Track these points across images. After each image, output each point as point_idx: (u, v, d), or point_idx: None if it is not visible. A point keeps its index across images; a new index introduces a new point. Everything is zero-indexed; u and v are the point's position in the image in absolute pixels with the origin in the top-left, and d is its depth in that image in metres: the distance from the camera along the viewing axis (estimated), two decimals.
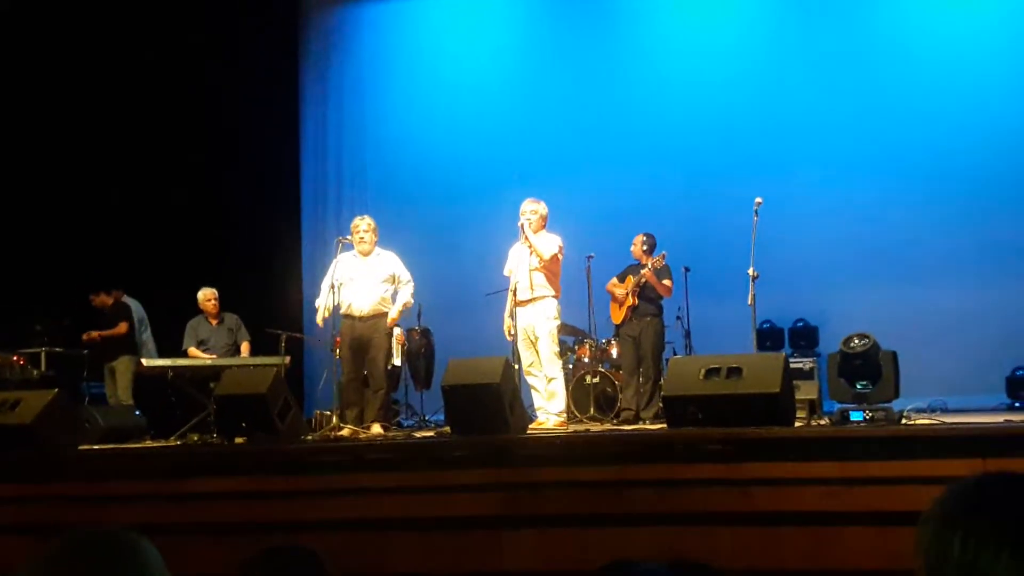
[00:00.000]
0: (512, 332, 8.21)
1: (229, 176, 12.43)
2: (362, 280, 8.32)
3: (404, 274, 8.51)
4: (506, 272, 8.48)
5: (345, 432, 7.87)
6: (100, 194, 12.07)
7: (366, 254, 8.42)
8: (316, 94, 13.92)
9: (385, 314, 8.37)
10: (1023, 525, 1.38)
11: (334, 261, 8.39)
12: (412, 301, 8.70)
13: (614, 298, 9.40)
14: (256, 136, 12.86)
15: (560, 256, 8.25)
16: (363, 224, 8.49)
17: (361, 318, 8.26)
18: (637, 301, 9.18)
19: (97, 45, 11.93)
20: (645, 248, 9.38)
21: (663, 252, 9.21)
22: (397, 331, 9.34)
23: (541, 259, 8.14)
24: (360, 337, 8.24)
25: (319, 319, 8.42)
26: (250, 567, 2.58)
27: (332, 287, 8.20)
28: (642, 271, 9.12)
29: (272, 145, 13.31)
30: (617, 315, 9.38)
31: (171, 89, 12.27)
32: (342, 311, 8.28)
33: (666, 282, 9.18)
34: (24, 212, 11.77)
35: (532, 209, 8.28)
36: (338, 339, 8.29)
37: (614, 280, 9.48)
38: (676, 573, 0.79)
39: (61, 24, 11.89)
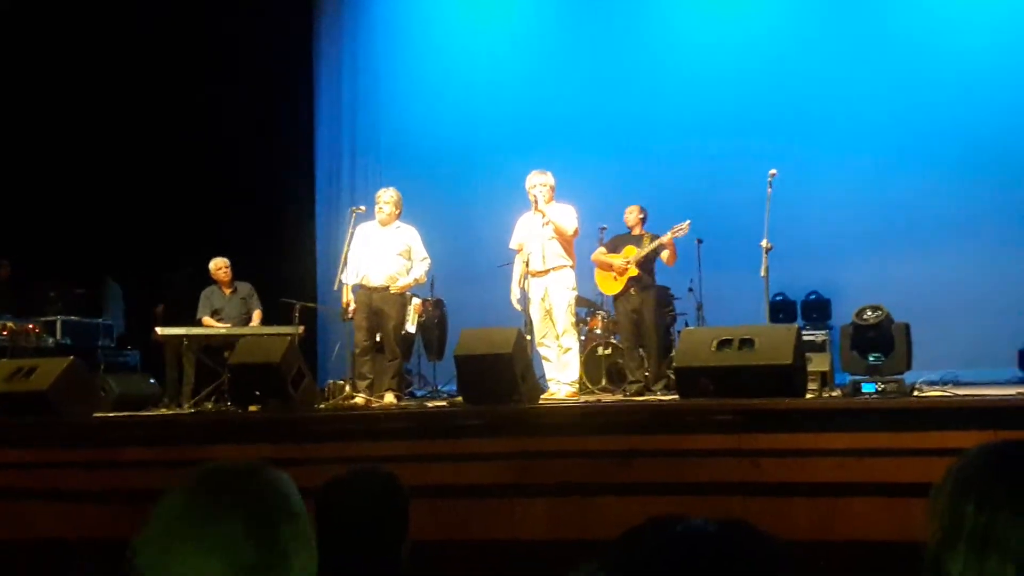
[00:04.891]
0: (519, 302, 8.21)
1: (243, 146, 12.42)
2: (378, 250, 8.33)
3: (420, 251, 8.49)
4: (513, 245, 8.45)
5: (359, 401, 7.92)
6: (115, 164, 12.08)
7: (384, 224, 8.42)
8: (330, 62, 13.89)
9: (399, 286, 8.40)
10: None
11: (350, 232, 8.41)
12: (424, 279, 8.71)
13: (607, 267, 9.00)
14: (270, 105, 12.85)
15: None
16: (386, 195, 8.48)
17: (376, 288, 8.27)
18: (639, 272, 8.88)
19: (113, 9, 11.93)
20: (642, 217, 9.18)
21: (688, 220, 8.95)
22: (416, 300, 9.36)
23: (564, 234, 8.13)
24: (374, 307, 8.26)
25: (344, 298, 8.38)
26: (334, 486, 2.92)
27: (345, 258, 8.24)
28: (660, 239, 8.77)
29: (286, 114, 13.31)
30: (612, 286, 9.00)
31: (183, 56, 12.25)
32: (357, 281, 8.30)
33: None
34: (39, 181, 11.79)
35: (541, 181, 8.24)
36: (352, 308, 8.32)
37: (602, 250, 9.12)
38: (727, 533, 0.80)
39: None
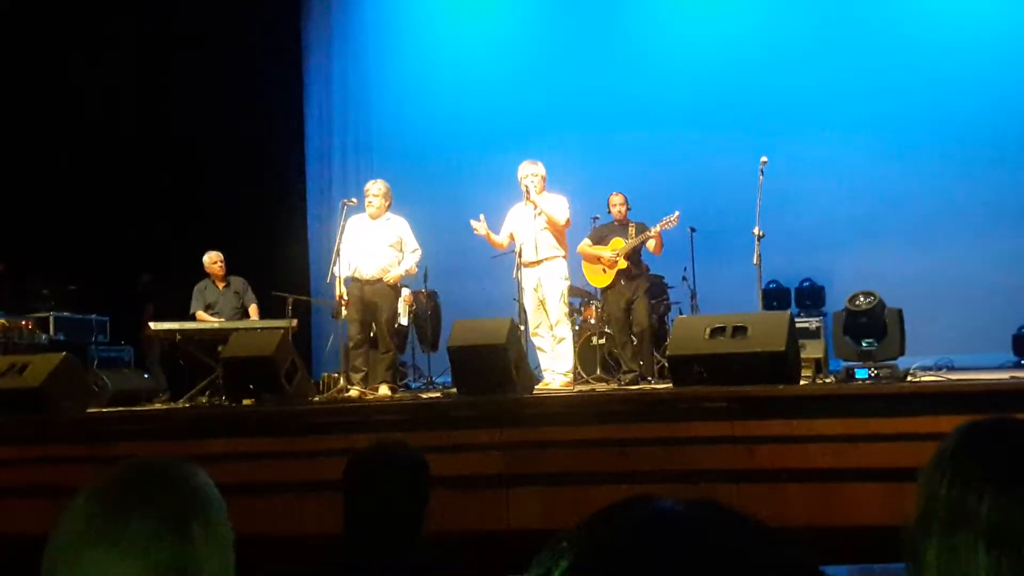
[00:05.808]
0: (478, 226, 8.20)
1: (235, 139, 12.39)
2: (369, 243, 8.31)
3: (411, 242, 8.48)
4: (503, 235, 8.42)
5: (353, 394, 7.91)
6: (107, 159, 12.04)
7: (374, 217, 8.41)
8: (321, 57, 13.88)
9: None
10: (1007, 465, 1.39)
11: (341, 225, 8.38)
12: (416, 270, 8.70)
13: (594, 260, 8.91)
14: (260, 100, 12.83)
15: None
16: (374, 188, 8.47)
17: (368, 281, 8.26)
18: (628, 264, 8.77)
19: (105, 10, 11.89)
20: (628, 207, 9.06)
21: (677, 212, 8.78)
22: (405, 292, 9.33)
23: (556, 224, 8.12)
24: (367, 300, 8.25)
25: (337, 291, 8.33)
26: (360, 458, 3.10)
27: (337, 251, 8.22)
28: (648, 231, 8.69)
29: (277, 108, 13.29)
30: (601, 279, 8.94)
31: (174, 52, 12.21)
32: (349, 274, 8.29)
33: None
34: (30, 177, 11.75)
35: (533, 172, 8.23)
36: (345, 301, 8.31)
37: (587, 242, 9.01)
38: (698, 512, 0.79)
39: None
